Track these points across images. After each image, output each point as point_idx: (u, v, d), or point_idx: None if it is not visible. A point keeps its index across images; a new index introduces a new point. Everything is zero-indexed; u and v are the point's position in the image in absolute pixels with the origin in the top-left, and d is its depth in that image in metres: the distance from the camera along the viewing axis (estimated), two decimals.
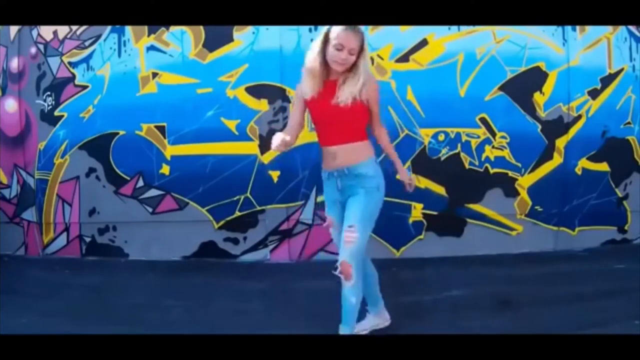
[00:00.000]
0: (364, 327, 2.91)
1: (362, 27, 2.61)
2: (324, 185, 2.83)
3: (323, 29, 2.63)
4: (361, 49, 2.56)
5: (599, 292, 3.46)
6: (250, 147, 4.40)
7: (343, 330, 2.67)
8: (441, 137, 4.33)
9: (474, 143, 4.34)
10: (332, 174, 2.71)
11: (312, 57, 2.62)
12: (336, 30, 2.54)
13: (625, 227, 4.60)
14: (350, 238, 2.56)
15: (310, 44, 2.75)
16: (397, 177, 2.91)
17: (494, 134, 4.35)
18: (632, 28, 4.43)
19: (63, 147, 4.67)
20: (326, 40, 2.57)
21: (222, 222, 4.52)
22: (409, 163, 4.32)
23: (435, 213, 4.38)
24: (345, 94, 2.55)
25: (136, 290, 3.88)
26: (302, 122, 2.79)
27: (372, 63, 4.30)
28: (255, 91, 4.36)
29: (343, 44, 2.51)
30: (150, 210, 4.59)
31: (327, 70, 2.62)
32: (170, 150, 4.49)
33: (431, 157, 4.35)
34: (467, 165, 4.35)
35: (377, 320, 2.98)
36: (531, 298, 3.39)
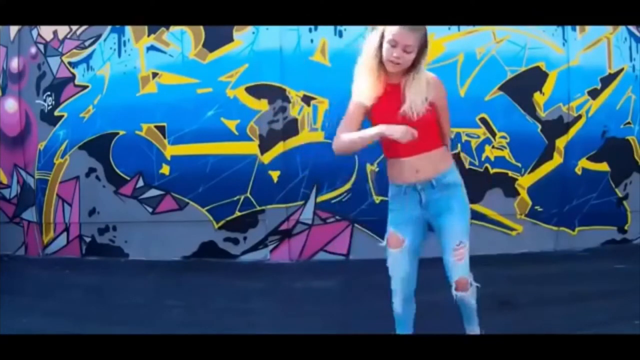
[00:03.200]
0: None
1: (424, 27, 2.33)
2: (395, 200, 2.42)
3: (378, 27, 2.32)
4: (422, 48, 2.27)
5: (599, 292, 3.46)
6: (250, 147, 4.40)
7: (473, 330, 2.55)
8: None
9: (474, 143, 4.34)
10: (412, 188, 2.35)
11: (368, 54, 2.31)
12: (391, 27, 2.25)
13: (625, 227, 4.60)
14: (461, 255, 2.39)
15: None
16: None
17: (494, 134, 4.35)
18: (632, 28, 4.43)
19: (63, 147, 4.67)
20: (382, 37, 2.27)
21: (222, 222, 4.51)
22: None
23: None
24: (412, 99, 2.24)
25: (136, 290, 3.88)
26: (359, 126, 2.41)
27: None
28: (255, 91, 4.36)
29: (397, 40, 2.21)
30: (150, 210, 4.59)
31: (385, 72, 2.31)
32: (170, 150, 4.49)
33: None
34: (467, 165, 4.35)
35: None
36: (531, 298, 3.39)
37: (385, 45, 2.25)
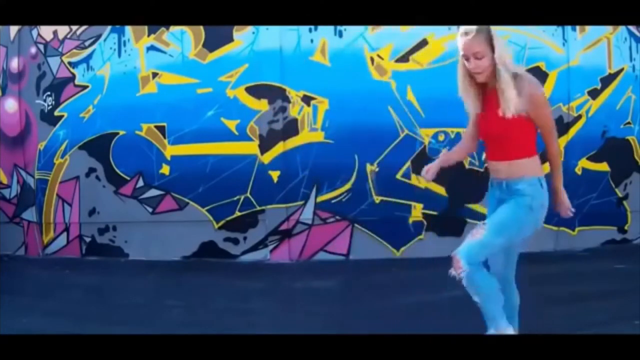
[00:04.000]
0: None
1: (481, 28, 2.28)
2: (489, 191, 2.58)
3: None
4: (493, 50, 2.24)
5: (599, 292, 3.45)
6: (250, 147, 4.40)
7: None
8: (441, 137, 4.33)
9: None
10: (492, 183, 2.50)
11: (458, 75, 2.39)
12: (458, 40, 2.28)
13: (625, 227, 4.60)
14: (475, 233, 2.41)
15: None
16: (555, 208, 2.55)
17: None
18: (632, 28, 4.43)
19: (63, 147, 4.67)
20: (460, 55, 2.32)
21: (222, 222, 4.51)
22: (408, 163, 4.32)
23: (435, 213, 4.38)
24: (505, 97, 2.25)
25: (136, 290, 3.88)
26: (473, 140, 2.60)
27: (372, 63, 4.31)
28: (255, 91, 4.36)
29: (465, 52, 2.26)
30: (150, 210, 4.59)
31: (478, 83, 2.37)
32: (170, 150, 4.49)
33: (431, 157, 4.34)
34: (467, 165, 4.35)
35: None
36: (531, 298, 3.39)
37: (462, 61, 2.31)
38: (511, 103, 2.23)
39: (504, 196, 2.43)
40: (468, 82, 2.37)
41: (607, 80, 4.41)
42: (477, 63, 2.26)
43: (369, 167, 4.35)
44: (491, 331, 2.45)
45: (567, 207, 2.50)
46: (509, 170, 2.39)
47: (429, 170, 2.56)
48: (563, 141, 4.39)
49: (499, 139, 2.38)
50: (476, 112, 2.46)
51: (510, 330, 2.44)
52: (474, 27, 2.26)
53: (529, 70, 4.25)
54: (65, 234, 4.80)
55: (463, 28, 2.29)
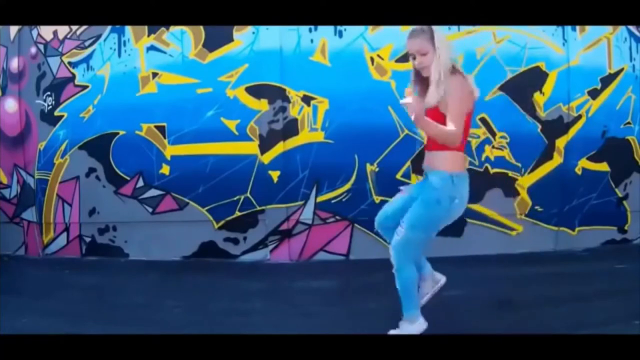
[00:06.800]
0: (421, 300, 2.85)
1: (427, 27, 2.51)
2: None
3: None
4: (434, 48, 2.47)
5: (599, 292, 3.45)
6: (250, 147, 4.40)
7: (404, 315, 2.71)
8: None
9: (474, 143, 4.34)
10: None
11: (411, 73, 2.66)
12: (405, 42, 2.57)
13: (625, 227, 4.60)
14: (399, 232, 2.63)
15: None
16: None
17: (493, 134, 4.35)
18: (632, 28, 4.43)
19: (63, 147, 4.67)
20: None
21: (222, 222, 4.52)
22: (408, 163, 4.32)
23: None
24: (429, 94, 2.48)
25: (136, 290, 3.88)
26: None
27: (372, 63, 4.31)
28: (255, 91, 4.36)
29: (410, 50, 2.54)
30: (150, 210, 4.59)
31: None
32: (170, 150, 4.49)
33: None
34: (467, 165, 4.35)
35: (429, 284, 2.90)
36: (531, 298, 3.39)
37: (411, 60, 2.57)
38: (431, 94, 2.47)
39: (423, 183, 2.71)
40: (414, 78, 2.63)
41: (607, 80, 4.41)
42: (421, 59, 2.51)
43: (369, 167, 4.35)
44: (404, 321, 2.71)
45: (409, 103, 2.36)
46: (429, 160, 2.65)
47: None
48: (563, 141, 4.39)
49: None
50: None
51: (421, 321, 2.71)
52: (417, 28, 2.54)
53: (529, 70, 4.31)
54: (65, 234, 4.80)
55: (410, 29, 2.55)
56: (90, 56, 4.57)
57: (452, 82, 2.46)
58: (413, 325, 2.69)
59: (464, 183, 2.64)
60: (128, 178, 4.59)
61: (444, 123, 2.43)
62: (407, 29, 2.64)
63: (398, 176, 4.33)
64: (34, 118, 4.73)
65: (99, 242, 4.73)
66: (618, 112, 4.45)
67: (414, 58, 2.53)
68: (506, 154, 4.38)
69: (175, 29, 4.42)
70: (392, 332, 2.71)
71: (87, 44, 4.58)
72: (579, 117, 4.38)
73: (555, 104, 4.35)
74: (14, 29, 4.70)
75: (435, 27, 2.51)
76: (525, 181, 4.41)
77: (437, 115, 2.47)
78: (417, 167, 4.32)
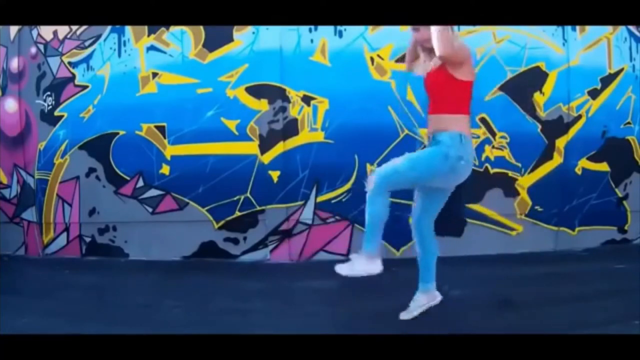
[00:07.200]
0: (412, 310, 2.90)
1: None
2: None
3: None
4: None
5: (599, 292, 3.45)
6: (250, 147, 4.40)
7: (362, 249, 2.72)
8: None
9: (474, 143, 4.33)
10: (428, 138, 2.83)
11: (409, 47, 2.99)
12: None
13: (625, 227, 4.60)
14: (396, 160, 2.68)
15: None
16: None
17: (493, 134, 4.35)
18: (632, 28, 4.44)
19: (63, 147, 4.67)
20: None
21: (222, 222, 4.52)
22: None
23: None
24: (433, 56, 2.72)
25: (136, 290, 3.87)
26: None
27: (372, 63, 4.31)
28: (255, 91, 4.36)
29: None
30: (150, 210, 4.59)
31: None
32: (170, 150, 4.49)
33: None
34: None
35: (426, 299, 2.95)
36: (531, 298, 3.39)
37: (413, 34, 2.87)
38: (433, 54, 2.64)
39: (430, 145, 2.75)
40: (418, 49, 2.83)
41: (607, 80, 4.41)
42: (416, 34, 2.76)
43: (369, 167, 4.35)
44: (361, 255, 2.73)
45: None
46: (436, 123, 2.71)
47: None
48: (563, 141, 4.39)
49: (432, 93, 2.76)
50: (426, 72, 2.82)
51: (378, 263, 2.71)
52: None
53: (529, 70, 4.31)
54: (65, 234, 4.80)
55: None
56: (90, 56, 4.57)
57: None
58: (368, 262, 2.68)
59: (470, 145, 2.74)
60: (128, 178, 4.59)
61: (451, 84, 2.65)
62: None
63: None
64: (34, 118, 4.73)
65: (99, 242, 4.73)
66: (618, 112, 4.45)
67: (417, 30, 2.75)
68: (506, 154, 4.38)
69: (175, 29, 4.43)
70: (339, 266, 2.73)
71: (87, 44, 4.58)
72: (579, 117, 4.38)
73: (555, 104, 4.35)
74: (14, 29, 4.71)
75: None
76: (525, 181, 4.41)
77: (444, 75, 2.66)
78: None
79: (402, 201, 4.30)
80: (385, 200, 2.66)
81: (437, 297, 2.95)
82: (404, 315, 2.89)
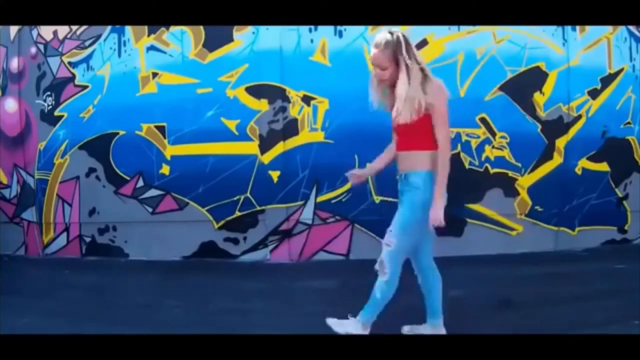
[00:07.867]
0: (415, 330, 2.85)
1: (390, 36, 2.45)
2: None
3: None
4: (397, 63, 2.47)
5: (599, 292, 3.45)
6: (250, 147, 4.40)
7: (359, 315, 2.68)
8: None
9: (474, 143, 4.34)
10: (398, 177, 2.69)
11: (371, 79, 2.72)
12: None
13: (625, 227, 4.60)
14: (389, 243, 2.58)
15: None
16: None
17: (494, 134, 4.35)
18: (632, 28, 4.44)
19: (63, 147, 4.67)
20: None
21: (222, 222, 4.51)
22: None
23: None
24: (395, 114, 2.57)
25: (136, 290, 3.87)
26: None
27: None
28: (255, 91, 4.36)
29: (372, 62, 2.57)
30: (150, 210, 4.59)
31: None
32: (170, 150, 4.49)
33: None
34: (467, 165, 4.35)
35: (432, 331, 2.81)
36: (531, 298, 3.39)
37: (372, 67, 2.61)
38: (398, 110, 2.51)
39: (402, 188, 2.63)
40: (377, 83, 2.65)
41: (607, 80, 4.41)
42: (380, 73, 2.55)
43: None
44: (357, 320, 2.69)
45: (435, 218, 2.46)
46: (407, 160, 2.61)
47: (354, 175, 2.96)
48: (563, 141, 4.39)
49: (400, 129, 2.61)
50: (386, 108, 2.70)
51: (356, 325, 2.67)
52: (382, 41, 2.47)
53: (529, 70, 4.31)
54: (65, 234, 4.80)
55: (375, 40, 2.49)
56: (90, 56, 4.57)
57: (431, 88, 2.47)
58: (361, 329, 2.67)
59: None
60: (128, 178, 4.59)
61: (422, 121, 2.48)
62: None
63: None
64: (34, 118, 4.73)
65: (99, 242, 4.73)
66: (618, 112, 4.45)
67: (374, 68, 2.56)
68: (506, 154, 4.38)
69: (175, 29, 4.42)
70: (332, 320, 2.73)
71: (87, 44, 4.58)
72: (579, 117, 4.38)
73: (555, 104, 4.35)
74: (14, 29, 4.71)
75: (402, 39, 2.44)
76: (525, 181, 4.41)
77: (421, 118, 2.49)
78: None
79: None
80: (394, 286, 2.67)
81: (442, 332, 2.82)
82: (407, 330, 2.86)
